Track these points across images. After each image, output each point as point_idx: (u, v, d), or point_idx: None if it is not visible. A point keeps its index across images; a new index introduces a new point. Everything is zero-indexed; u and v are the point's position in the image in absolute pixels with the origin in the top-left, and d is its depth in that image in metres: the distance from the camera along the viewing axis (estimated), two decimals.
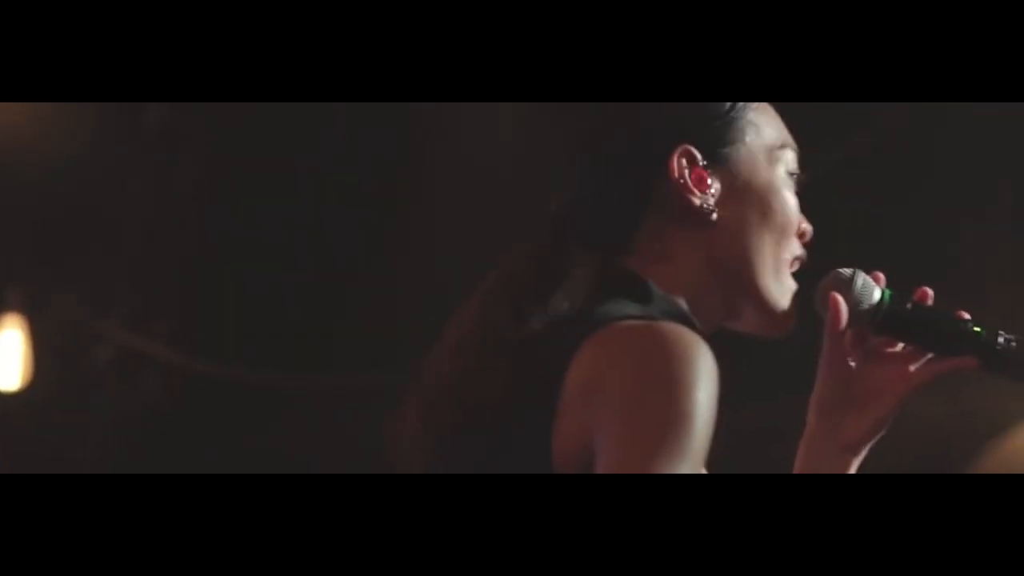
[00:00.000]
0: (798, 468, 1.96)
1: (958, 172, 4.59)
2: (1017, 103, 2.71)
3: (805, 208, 1.92)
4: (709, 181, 1.84)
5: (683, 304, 1.84)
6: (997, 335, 1.90)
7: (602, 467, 1.64)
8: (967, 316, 1.92)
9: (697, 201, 1.84)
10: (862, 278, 1.91)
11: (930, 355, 1.92)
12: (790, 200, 1.88)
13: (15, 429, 5.47)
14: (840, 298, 1.89)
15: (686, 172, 1.84)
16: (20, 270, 5.36)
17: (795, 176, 1.90)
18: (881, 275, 1.93)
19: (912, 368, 1.92)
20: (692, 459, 1.63)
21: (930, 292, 1.93)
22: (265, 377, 5.40)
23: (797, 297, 1.90)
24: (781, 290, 1.88)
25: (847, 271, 1.91)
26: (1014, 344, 1.89)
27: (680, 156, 1.84)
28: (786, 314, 1.88)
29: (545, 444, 1.69)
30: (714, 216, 1.84)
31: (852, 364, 1.93)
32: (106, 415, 5.52)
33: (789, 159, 1.89)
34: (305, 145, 5.04)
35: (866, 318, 1.91)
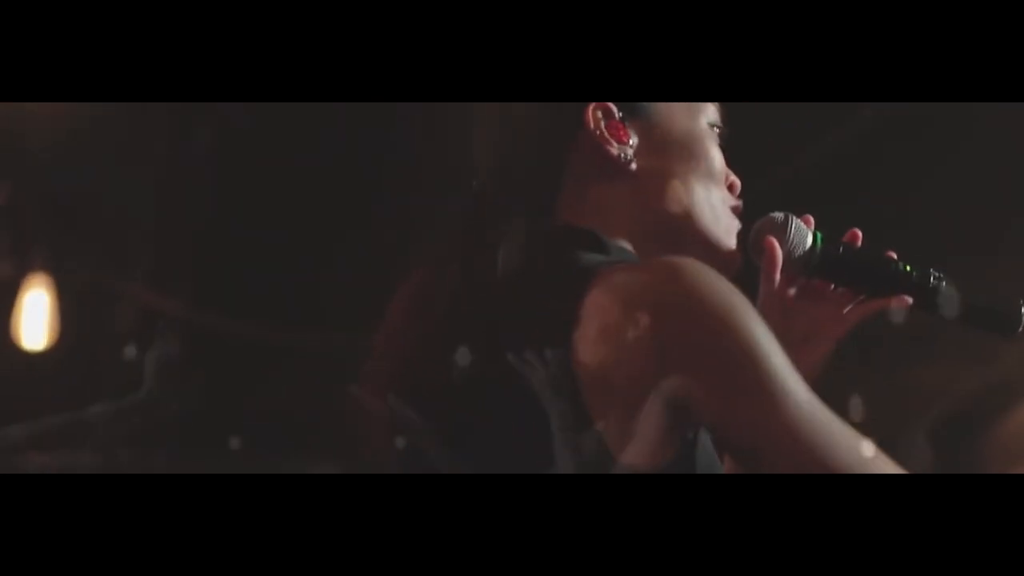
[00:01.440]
0: None
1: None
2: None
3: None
4: (628, 132, 1.86)
5: (632, 252, 1.84)
6: (928, 273, 1.92)
7: (742, 445, 1.64)
8: (895, 256, 1.94)
9: (614, 151, 1.85)
10: (795, 222, 1.92)
11: (862, 296, 1.95)
12: (712, 149, 1.89)
13: (40, 387, 5.53)
14: (776, 242, 1.91)
15: (602, 124, 1.85)
16: (45, 231, 5.41)
17: (718, 129, 1.91)
18: (810, 218, 1.95)
19: (846, 309, 1.95)
20: (796, 378, 1.63)
21: (859, 233, 1.96)
22: (286, 335, 5.44)
23: (741, 235, 1.91)
24: (721, 228, 1.88)
25: (779, 215, 1.92)
26: (944, 281, 1.92)
27: (595, 109, 1.85)
28: (733, 251, 1.89)
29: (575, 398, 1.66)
30: (633, 166, 1.85)
31: (787, 307, 1.95)
32: (128, 376, 5.57)
33: (710, 112, 1.91)
34: (320, 120, 5.06)
35: (801, 264, 1.93)
